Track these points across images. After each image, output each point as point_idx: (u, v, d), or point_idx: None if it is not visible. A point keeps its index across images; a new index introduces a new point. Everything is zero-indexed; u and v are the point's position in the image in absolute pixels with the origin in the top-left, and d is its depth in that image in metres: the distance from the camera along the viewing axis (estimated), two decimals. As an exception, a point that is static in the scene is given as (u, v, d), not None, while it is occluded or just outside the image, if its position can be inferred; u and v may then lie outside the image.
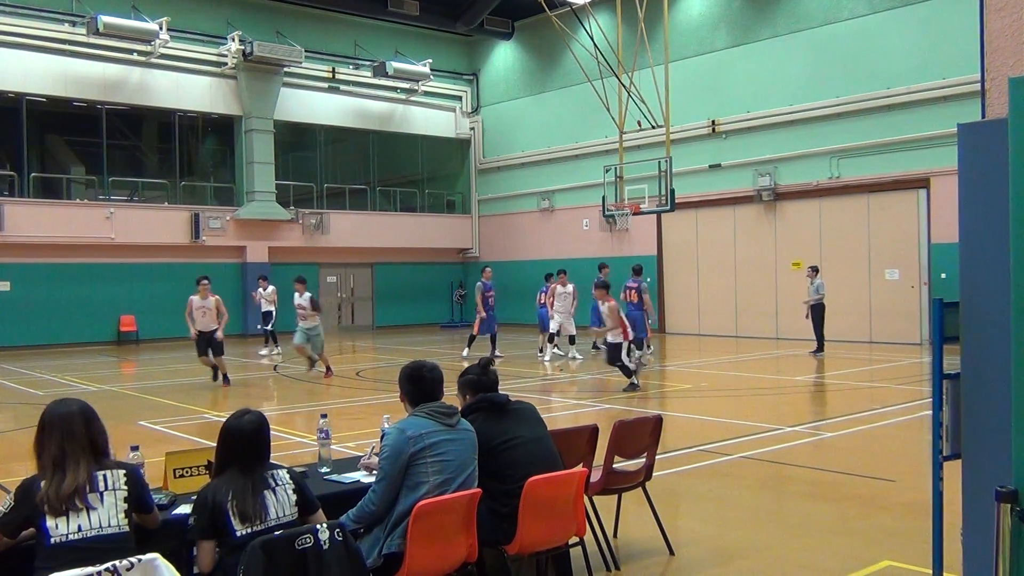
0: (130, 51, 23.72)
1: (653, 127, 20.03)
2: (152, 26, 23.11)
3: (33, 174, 23.59)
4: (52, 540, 3.30)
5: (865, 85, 20.23)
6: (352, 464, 4.89)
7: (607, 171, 20.75)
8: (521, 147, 28.77)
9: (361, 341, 24.76)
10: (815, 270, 18.17)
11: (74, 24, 22.85)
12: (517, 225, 28.99)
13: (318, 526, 3.36)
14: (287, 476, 3.76)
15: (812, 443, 9.29)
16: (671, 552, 5.48)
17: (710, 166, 23.30)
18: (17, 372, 17.19)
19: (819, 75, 21.13)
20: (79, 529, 3.33)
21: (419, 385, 4.23)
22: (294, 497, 3.72)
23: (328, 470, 4.77)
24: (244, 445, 3.70)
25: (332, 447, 5.03)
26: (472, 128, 30.44)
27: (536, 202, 28.18)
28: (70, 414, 3.52)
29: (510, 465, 4.34)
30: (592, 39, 20.25)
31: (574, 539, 4.67)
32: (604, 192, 20.87)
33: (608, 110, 20.12)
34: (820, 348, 17.75)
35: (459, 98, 30.47)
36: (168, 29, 23.55)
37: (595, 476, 5.38)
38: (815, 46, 21.26)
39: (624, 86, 19.98)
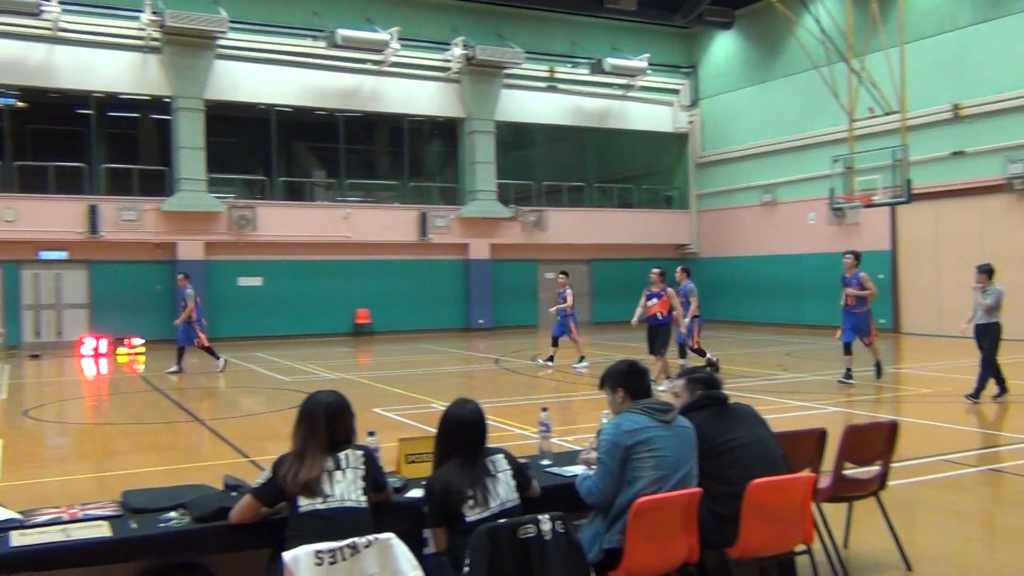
0: (364, 61, 25.28)
1: (887, 113, 18.87)
2: (384, 36, 24.54)
3: (281, 178, 25.75)
4: (301, 509, 3.61)
5: None
6: (572, 458, 4.95)
7: (835, 161, 19.82)
8: (742, 139, 27.93)
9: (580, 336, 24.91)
10: (988, 272, 11.36)
11: (315, 38, 24.66)
12: (738, 220, 28.19)
13: (540, 517, 3.42)
14: (504, 462, 3.90)
15: (1074, 458, 8.37)
16: (908, 567, 5.13)
17: (952, 153, 21.52)
18: (268, 360, 18.84)
19: (1084, 48, 18.98)
20: (325, 499, 3.62)
21: (637, 381, 4.23)
22: (513, 482, 3.85)
23: (550, 463, 4.86)
24: (465, 432, 3.87)
25: (552, 440, 5.12)
26: (690, 122, 29.90)
27: (758, 196, 27.26)
28: (314, 411, 3.80)
29: (731, 466, 4.23)
30: (819, 23, 19.36)
31: (801, 547, 4.48)
32: (832, 184, 19.90)
33: (836, 97, 19.16)
34: (1002, 387, 11.55)
35: (676, 92, 30.03)
36: (398, 38, 24.89)
37: (823, 482, 5.14)
38: (1079, 16, 19.12)
39: (854, 71, 18.95)
